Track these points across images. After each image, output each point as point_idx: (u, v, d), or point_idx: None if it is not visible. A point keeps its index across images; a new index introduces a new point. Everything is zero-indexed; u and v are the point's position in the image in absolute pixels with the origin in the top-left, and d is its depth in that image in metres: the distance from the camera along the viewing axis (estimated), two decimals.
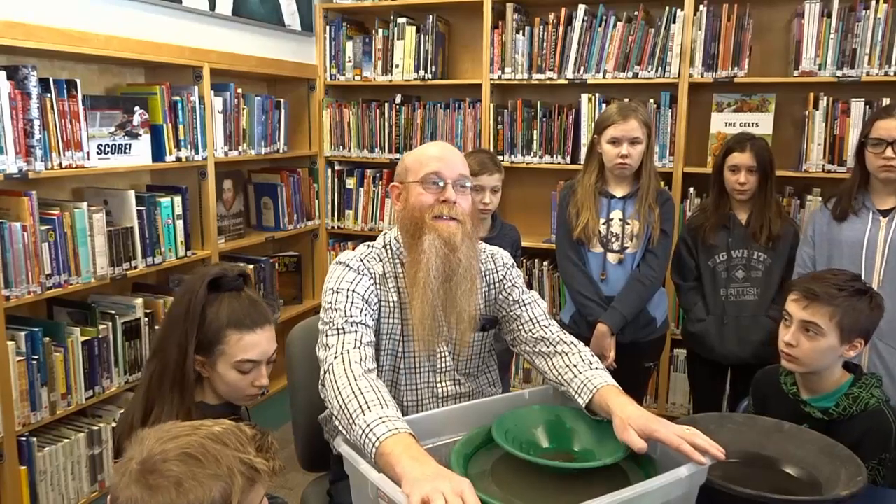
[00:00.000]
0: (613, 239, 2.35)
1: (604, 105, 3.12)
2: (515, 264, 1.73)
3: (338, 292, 1.50)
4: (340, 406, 1.28)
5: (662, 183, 2.50)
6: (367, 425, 1.20)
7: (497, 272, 1.68)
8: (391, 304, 1.58)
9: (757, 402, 1.76)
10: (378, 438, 1.17)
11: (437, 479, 1.05)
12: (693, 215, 2.61)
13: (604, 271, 2.36)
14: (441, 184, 1.54)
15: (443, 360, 1.62)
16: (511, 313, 1.64)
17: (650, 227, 2.33)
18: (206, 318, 1.42)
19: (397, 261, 1.60)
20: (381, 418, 1.21)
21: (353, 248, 1.65)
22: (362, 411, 1.24)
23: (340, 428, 1.29)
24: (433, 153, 1.58)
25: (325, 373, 1.39)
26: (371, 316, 1.52)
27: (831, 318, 1.53)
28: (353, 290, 1.51)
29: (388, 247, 1.62)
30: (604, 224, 2.34)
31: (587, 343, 2.26)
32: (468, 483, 1.06)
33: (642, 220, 2.31)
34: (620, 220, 2.34)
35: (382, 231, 1.69)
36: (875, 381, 1.58)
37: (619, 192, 2.35)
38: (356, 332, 1.44)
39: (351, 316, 1.46)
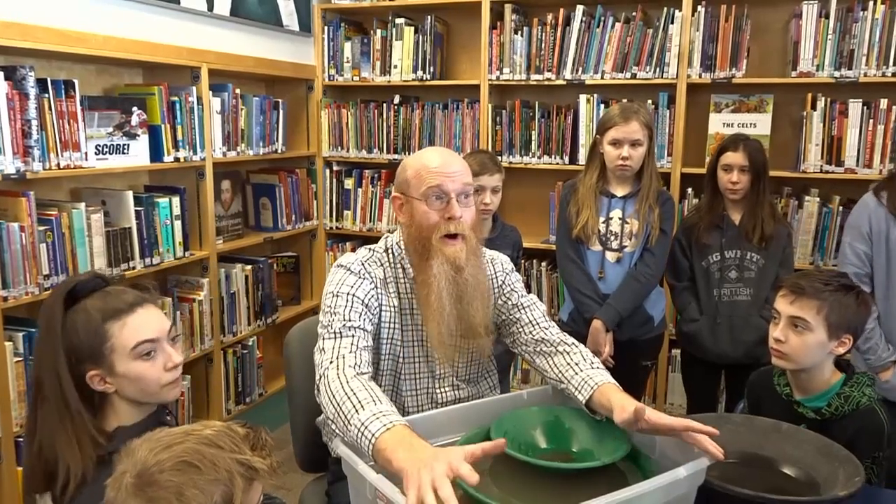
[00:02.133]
0: (612, 238, 2.36)
1: (602, 106, 3.13)
2: (514, 268, 1.73)
3: (337, 296, 1.50)
4: (335, 409, 1.28)
5: (661, 183, 2.51)
6: (362, 423, 1.21)
7: (496, 278, 1.68)
8: (392, 309, 1.57)
9: (752, 404, 1.77)
10: (374, 435, 1.17)
11: (424, 467, 1.03)
12: (688, 215, 2.62)
13: (602, 269, 2.37)
14: (445, 199, 1.51)
15: (441, 366, 1.62)
16: (510, 317, 1.64)
17: (649, 227, 2.34)
18: (77, 329, 1.27)
19: (398, 266, 1.59)
20: (374, 415, 1.21)
21: (352, 249, 1.65)
22: (356, 411, 1.24)
23: (337, 431, 1.29)
24: (434, 165, 1.52)
25: (320, 378, 1.39)
26: (370, 321, 1.52)
27: (818, 312, 1.54)
28: (353, 294, 1.50)
29: (389, 251, 1.61)
30: (603, 223, 2.36)
31: (585, 340, 2.27)
32: (457, 451, 1.05)
33: (642, 219, 2.33)
34: (620, 219, 2.35)
35: (384, 234, 1.68)
36: (867, 380, 1.58)
37: (619, 191, 2.36)
38: (353, 336, 1.44)
39: (349, 320, 1.46)
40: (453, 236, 1.51)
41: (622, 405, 1.28)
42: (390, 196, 1.64)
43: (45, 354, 1.28)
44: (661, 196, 2.38)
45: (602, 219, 2.36)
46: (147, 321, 1.32)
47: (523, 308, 1.64)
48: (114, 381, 1.30)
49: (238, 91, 3.04)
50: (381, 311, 1.56)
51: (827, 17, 2.79)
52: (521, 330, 1.62)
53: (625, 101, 2.87)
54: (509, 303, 1.65)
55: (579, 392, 1.41)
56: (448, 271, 1.50)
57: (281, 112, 3.32)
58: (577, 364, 1.47)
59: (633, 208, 2.34)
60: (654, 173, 2.35)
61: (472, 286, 1.53)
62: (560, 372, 1.48)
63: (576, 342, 1.56)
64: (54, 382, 1.26)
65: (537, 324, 1.61)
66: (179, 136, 2.68)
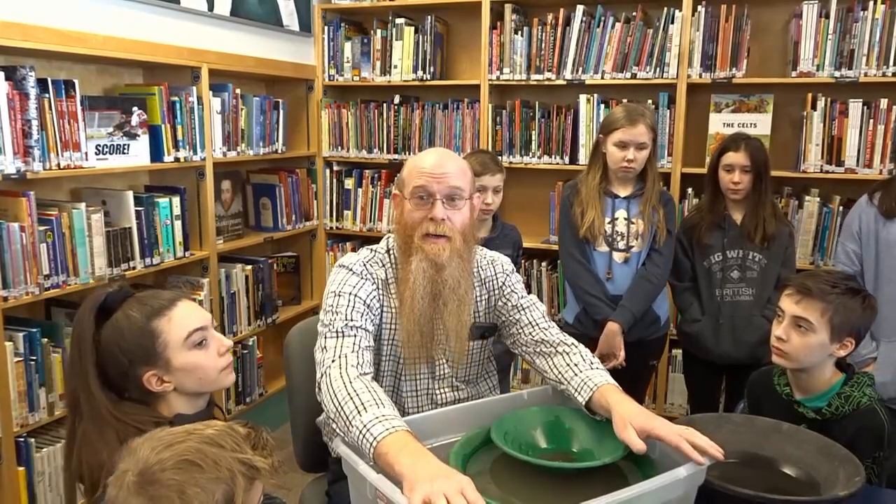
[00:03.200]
0: (619, 238, 2.36)
1: (602, 106, 3.13)
2: (515, 269, 1.73)
3: (339, 295, 1.50)
4: (337, 409, 1.28)
5: (661, 183, 2.51)
6: (364, 425, 1.21)
7: (497, 279, 1.67)
8: (393, 310, 1.57)
9: (752, 404, 1.77)
10: (375, 438, 1.17)
11: (438, 479, 1.05)
12: (689, 215, 2.62)
13: (609, 270, 2.37)
14: (429, 200, 1.51)
15: (441, 367, 1.62)
16: (510, 318, 1.64)
17: (654, 227, 2.34)
18: (123, 335, 1.27)
19: (398, 267, 1.59)
20: (377, 418, 1.21)
21: (352, 249, 1.65)
22: (358, 412, 1.24)
23: (338, 430, 1.29)
24: (425, 165, 1.52)
25: (321, 376, 1.39)
26: (372, 321, 1.52)
27: (823, 315, 1.54)
28: (356, 295, 1.50)
29: (391, 252, 1.61)
30: (609, 223, 2.36)
31: (593, 342, 2.27)
32: (468, 480, 1.06)
33: (646, 220, 2.33)
34: (625, 219, 2.35)
35: (386, 235, 1.67)
36: (867, 380, 1.58)
37: (622, 192, 2.36)
38: (355, 336, 1.44)
39: (351, 320, 1.46)
40: (436, 236, 1.51)
41: (621, 417, 1.28)
42: (391, 194, 1.63)
43: (77, 369, 1.27)
44: (662, 197, 2.38)
45: (608, 219, 2.35)
46: (190, 312, 1.34)
47: (523, 309, 1.63)
48: (171, 378, 1.31)
49: (238, 91, 3.04)
50: (382, 311, 1.56)
51: (827, 17, 2.79)
52: (520, 331, 1.62)
53: (626, 101, 2.88)
54: (509, 304, 1.65)
55: (579, 393, 1.41)
56: (427, 269, 1.50)
57: (281, 112, 3.32)
58: (576, 365, 1.47)
59: (637, 209, 2.34)
60: (657, 177, 2.36)
61: (450, 287, 1.52)
62: (560, 373, 1.49)
63: (575, 342, 1.56)
64: (87, 397, 1.25)
65: (537, 324, 1.61)
66: (179, 136, 2.68)
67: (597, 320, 2.34)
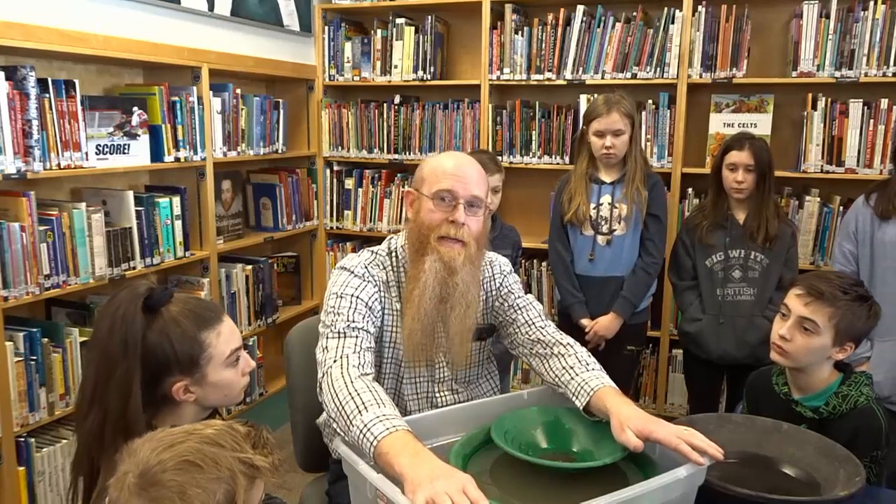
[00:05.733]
0: (602, 222, 2.49)
1: None
2: (512, 270, 1.73)
3: (341, 297, 1.50)
4: (338, 408, 1.29)
5: (650, 167, 2.58)
6: (365, 425, 1.21)
7: (494, 279, 1.68)
8: (394, 313, 1.57)
9: (750, 403, 1.77)
10: (376, 437, 1.18)
11: (439, 478, 1.05)
12: (691, 215, 2.62)
13: (592, 252, 2.50)
14: (452, 203, 1.51)
15: (440, 370, 1.62)
16: (507, 318, 1.64)
17: (638, 210, 2.46)
18: (171, 340, 1.23)
19: (401, 269, 1.59)
20: (378, 417, 1.21)
21: (353, 249, 1.65)
22: (359, 412, 1.24)
23: (338, 430, 1.29)
24: (450, 168, 1.52)
25: (322, 376, 1.39)
26: (373, 323, 1.52)
27: (830, 319, 1.54)
28: (357, 297, 1.50)
29: (393, 254, 1.61)
30: (594, 209, 2.49)
31: (568, 319, 2.48)
32: (469, 478, 1.06)
33: (630, 202, 2.46)
34: (609, 204, 2.48)
35: (388, 236, 1.67)
36: (864, 379, 1.58)
37: (608, 178, 2.50)
38: (357, 337, 1.44)
39: (353, 321, 1.46)
40: (453, 240, 1.51)
41: (619, 421, 1.28)
42: (404, 192, 1.63)
43: (116, 369, 1.20)
44: (649, 179, 2.49)
45: (593, 205, 2.49)
46: (233, 328, 1.33)
47: (520, 309, 1.64)
48: (198, 391, 1.28)
49: (238, 91, 3.04)
50: (383, 314, 1.56)
51: (827, 17, 2.79)
52: (517, 330, 1.62)
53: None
54: (506, 304, 1.65)
55: (576, 398, 1.41)
56: (440, 271, 1.50)
57: (281, 112, 3.32)
58: (572, 367, 1.47)
59: (621, 193, 2.47)
60: (638, 158, 2.47)
61: (460, 292, 1.52)
62: (556, 375, 1.49)
63: (571, 342, 1.55)
64: (121, 400, 1.19)
65: (533, 324, 1.61)
66: (180, 136, 2.69)
67: (565, 306, 2.57)
